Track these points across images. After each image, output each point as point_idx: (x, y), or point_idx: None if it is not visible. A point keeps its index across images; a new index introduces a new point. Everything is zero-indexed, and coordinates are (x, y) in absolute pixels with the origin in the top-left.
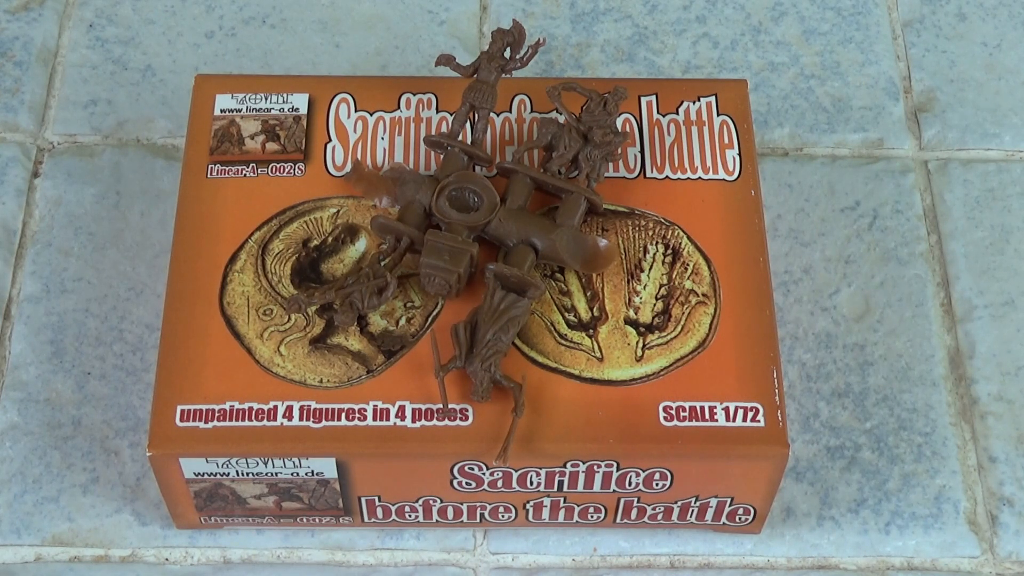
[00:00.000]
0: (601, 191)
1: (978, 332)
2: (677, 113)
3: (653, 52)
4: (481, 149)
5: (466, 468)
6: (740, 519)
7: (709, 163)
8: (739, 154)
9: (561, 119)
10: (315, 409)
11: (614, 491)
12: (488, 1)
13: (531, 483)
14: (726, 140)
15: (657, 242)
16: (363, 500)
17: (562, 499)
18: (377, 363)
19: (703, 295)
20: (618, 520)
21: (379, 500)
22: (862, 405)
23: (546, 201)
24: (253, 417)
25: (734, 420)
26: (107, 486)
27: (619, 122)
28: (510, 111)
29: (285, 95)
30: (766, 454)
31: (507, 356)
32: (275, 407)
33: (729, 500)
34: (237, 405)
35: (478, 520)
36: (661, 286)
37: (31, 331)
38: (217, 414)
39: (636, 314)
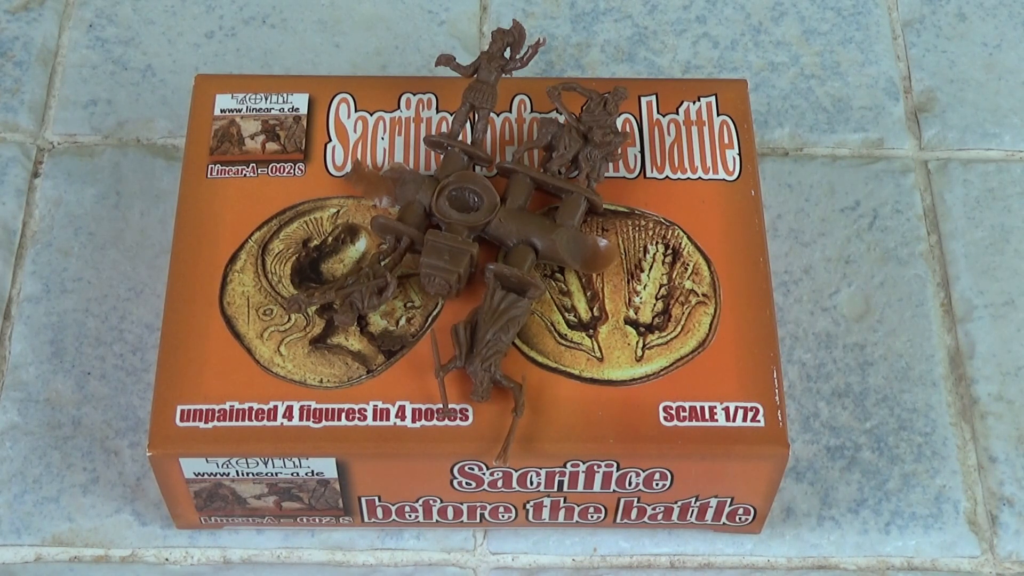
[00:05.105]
0: (601, 191)
1: (978, 332)
2: (677, 113)
3: (653, 52)
4: (481, 149)
5: (466, 468)
6: (740, 519)
7: (709, 163)
8: (739, 154)
9: (561, 119)
10: (315, 409)
11: (614, 491)
12: (488, 1)
13: (531, 483)
14: (726, 140)
15: (657, 242)
16: (363, 500)
17: (562, 499)
18: (377, 363)
19: (703, 295)
20: (618, 520)
21: (379, 500)
22: (862, 405)
23: (546, 201)
24: (253, 417)
25: (734, 420)
26: (107, 486)
27: (619, 122)
28: (510, 111)
29: (285, 95)
30: (766, 454)
31: (507, 356)
32: (275, 407)
33: (729, 500)
34: (237, 405)
35: (478, 520)
36: (661, 286)
37: (31, 331)
38: (217, 414)
39: (636, 314)
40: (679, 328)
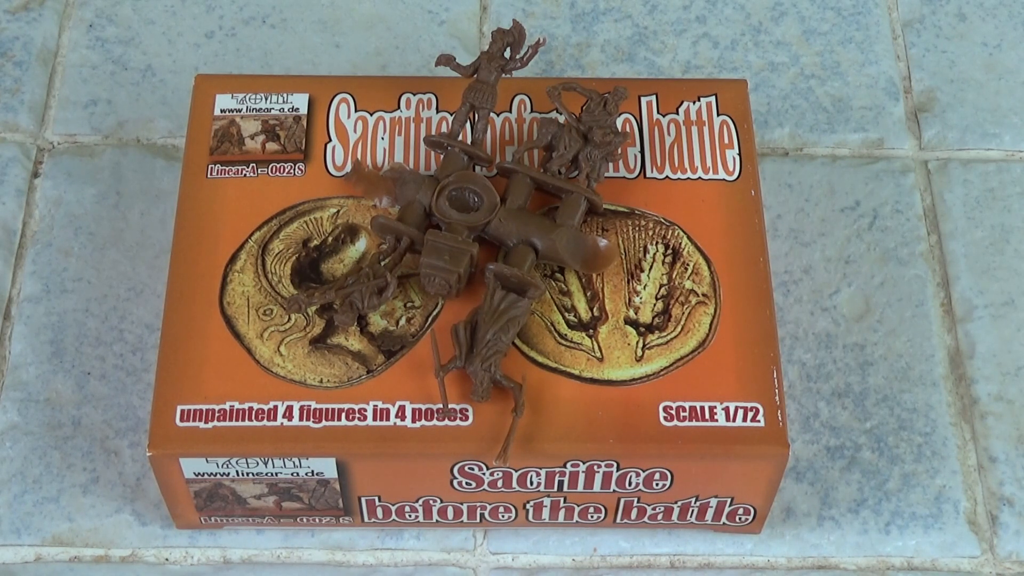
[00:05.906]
0: (601, 191)
1: (978, 332)
2: (677, 113)
3: (653, 52)
4: (481, 149)
5: (466, 468)
6: (740, 519)
7: (709, 163)
8: (739, 154)
9: (561, 119)
10: (315, 409)
11: (614, 491)
12: (488, 1)
13: (531, 483)
14: (726, 140)
15: (657, 242)
16: (363, 500)
17: (562, 499)
18: (377, 363)
19: (703, 295)
20: (618, 520)
21: (379, 500)
22: (862, 405)
23: (546, 201)
24: (253, 417)
25: (734, 420)
26: (107, 486)
27: (619, 122)
28: (510, 111)
29: (285, 95)
30: (766, 454)
31: (507, 356)
32: (275, 407)
33: (729, 500)
34: (237, 405)
35: (478, 520)
36: (661, 286)
37: (31, 331)
38: (217, 414)
39: (636, 314)
40: (679, 328)
